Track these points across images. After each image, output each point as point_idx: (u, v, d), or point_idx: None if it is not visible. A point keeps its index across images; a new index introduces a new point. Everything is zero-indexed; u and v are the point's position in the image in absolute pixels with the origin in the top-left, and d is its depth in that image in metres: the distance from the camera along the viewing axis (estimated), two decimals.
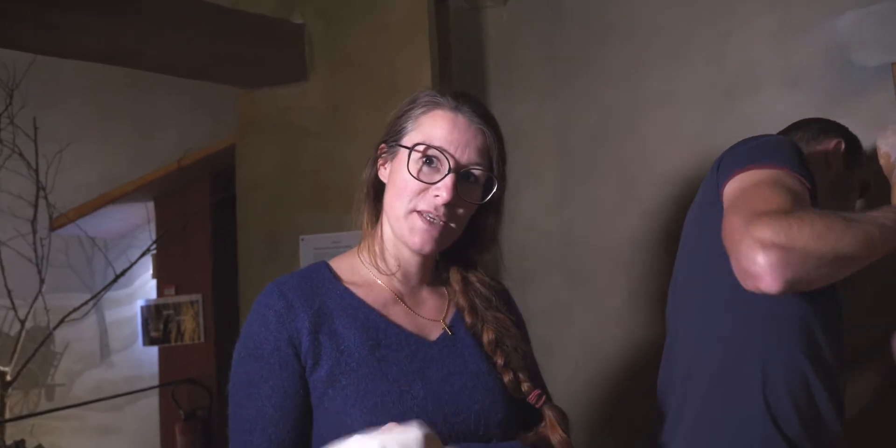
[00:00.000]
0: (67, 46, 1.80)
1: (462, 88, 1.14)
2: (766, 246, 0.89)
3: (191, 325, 3.21)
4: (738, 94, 1.94)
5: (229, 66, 2.11)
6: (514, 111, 2.20)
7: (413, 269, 1.05)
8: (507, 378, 1.00)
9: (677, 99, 2.04)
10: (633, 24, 2.12)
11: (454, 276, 1.09)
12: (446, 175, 0.97)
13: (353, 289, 1.03)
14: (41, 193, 3.00)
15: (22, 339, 2.93)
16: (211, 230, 3.22)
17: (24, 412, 3.49)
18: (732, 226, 0.96)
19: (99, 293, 3.10)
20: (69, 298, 3.23)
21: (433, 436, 0.76)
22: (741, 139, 1.27)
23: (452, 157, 0.97)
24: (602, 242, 2.12)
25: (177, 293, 3.27)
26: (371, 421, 0.87)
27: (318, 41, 2.20)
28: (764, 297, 1.05)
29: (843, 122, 1.59)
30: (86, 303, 3.01)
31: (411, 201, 0.98)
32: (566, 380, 2.02)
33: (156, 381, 3.25)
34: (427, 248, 0.99)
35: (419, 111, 1.02)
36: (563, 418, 0.98)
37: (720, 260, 1.14)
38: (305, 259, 2.07)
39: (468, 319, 1.05)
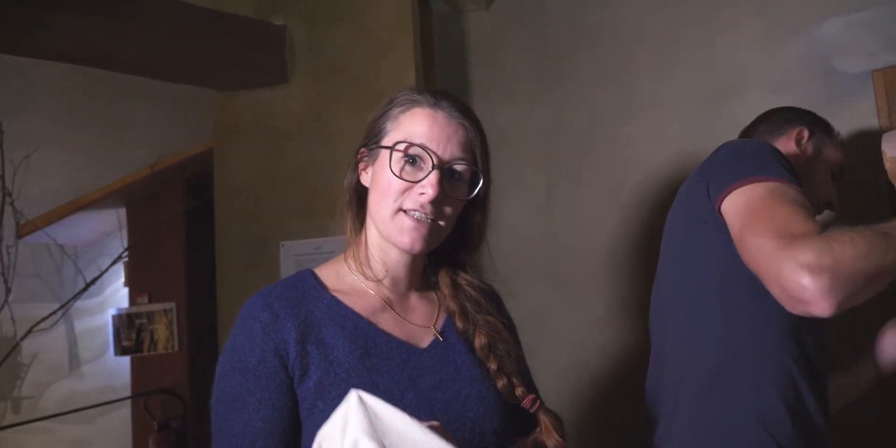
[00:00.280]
0: (39, 46, 1.74)
1: None
2: (812, 270, 0.88)
3: (164, 334, 3.14)
4: (723, 100, 1.95)
5: (207, 69, 2.06)
6: (499, 116, 2.19)
7: (401, 274, 1.03)
8: (500, 383, 0.98)
9: (663, 104, 2.04)
10: (619, 30, 2.13)
11: (443, 280, 1.07)
12: (430, 172, 0.94)
13: (339, 297, 0.99)
14: (7, 200, 2.90)
15: None
16: (185, 237, 3.17)
17: None
18: (763, 250, 0.94)
19: (68, 302, 3.01)
20: (37, 308, 3.12)
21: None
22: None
23: (435, 153, 0.95)
24: (587, 248, 2.11)
25: (150, 302, 3.20)
26: None
27: (300, 44, 2.17)
28: (753, 305, 1.04)
29: None
30: (54, 312, 2.91)
31: (397, 201, 0.95)
32: (550, 384, 1.99)
33: (128, 392, 3.17)
34: (417, 247, 0.96)
35: (398, 110, 1.00)
36: (558, 423, 0.96)
37: (710, 269, 1.15)
38: (286, 266, 2.02)
39: (459, 324, 1.03)
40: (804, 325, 1.13)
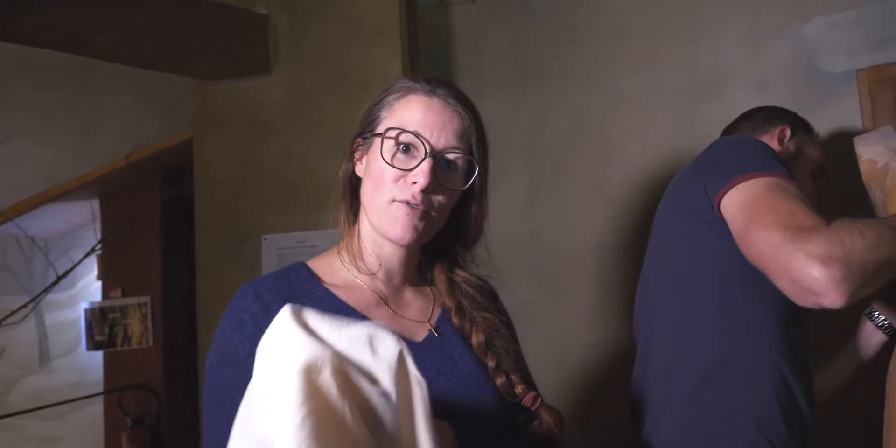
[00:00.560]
0: (13, 31, 1.68)
1: None
2: (824, 261, 0.88)
3: (138, 328, 3.08)
4: (707, 98, 1.96)
5: (188, 57, 2.02)
6: (482, 110, 2.11)
7: (395, 267, 1.00)
8: (499, 381, 0.96)
9: (647, 101, 2.04)
10: (604, 26, 2.12)
11: (439, 277, 1.04)
12: (423, 160, 0.92)
13: (333, 290, 0.97)
14: None
15: None
16: (160, 230, 3.11)
17: None
18: (771, 242, 0.94)
19: (39, 295, 2.93)
20: (6, 301, 3.06)
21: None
22: (711, 142, 1.28)
23: (428, 141, 0.92)
24: (570, 244, 2.11)
25: (123, 295, 3.14)
26: None
27: (283, 32, 2.13)
28: (748, 303, 1.04)
29: (809, 122, 1.62)
30: (24, 306, 2.84)
31: (390, 191, 0.93)
32: (535, 381, 2.00)
33: (100, 388, 3.10)
34: (408, 238, 0.94)
35: (392, 97, 0.98)
36: (560, 420, 0.95)
37: (706, 266, 1.15)
38: (268, 260, 1.99)
39: (456, 321, 1.01)
40: (795, 324, 1.13)
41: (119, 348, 3.10)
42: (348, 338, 0.65)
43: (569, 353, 2.05)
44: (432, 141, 0.93)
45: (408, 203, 0.92)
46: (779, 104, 1.80)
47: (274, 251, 1.99)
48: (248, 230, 2.07)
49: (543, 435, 0.94)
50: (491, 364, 0.97)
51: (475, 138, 0.97)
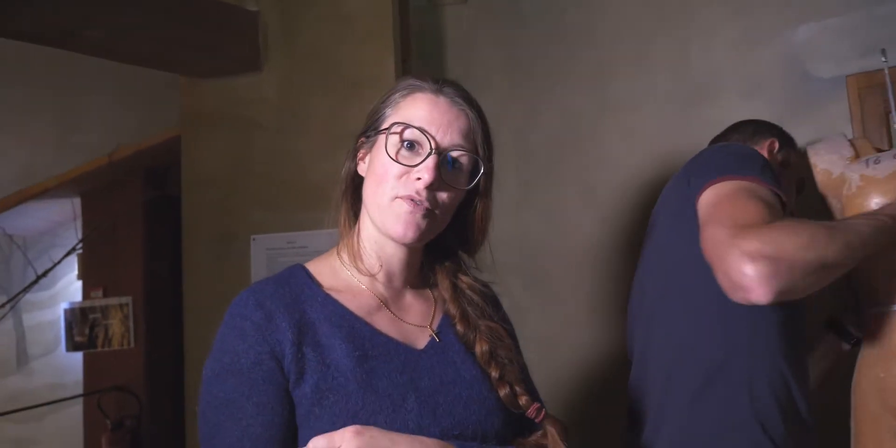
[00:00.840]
0: (2, 24, 1.64)
1: None
2: (754, 257, 0.91)
3: (119, 329, 3.04)
4: (697, 101, 1.97)
5: (176, 53, 1.99)
6: None
7: (397, 269, 0.99)
8: (503, 392, 0.94)
9: (637, 104, 2.05)
10: (595, 29, 2.13)
11: (442, 282, 1.03)
12: (427, 156, 0.91)
13: (334, 295, 0.95)
14: None
15: None
16: (143, 229, 3.08)
17: None
18: (716, 238, 0.98)
19: (17, 295, 2.89)
20: None
21: None
22: (703, 147, 1.29)
23: (433, 138, 0.91)
24: (560, 247, 2.11)
25: (105, 295, 3.09)
26: None
27: (274, 30, 2.10)
28: (746, 307, 1.05)
29: (799, 131, 1.64)
30: (2, 306, 2.80)
31: (393, 188, 0.91)
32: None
33: (80, 390, 3.05)
34: (411, 235, 0.92)
35: (398, 95, 0.97)
36: (565, 432, 0.94)
37: (703, 271, 1.15)
38: (258, 260, 1.96)
39: (460, 329, 0.99)
40: (794, 326, 1.14)
41: (99, 349, 3.06)
42: None
43: (558, 354, 2.05)
44: (438, 138, 0.92)
45: (411, 199, 0.91)
46: (769, 109, 1.83)
47: (263, 251, 1.96)
48: (236, 230, 2.04)
49: (546, 445, 0.93)
50: (495, 374, 0.95)
51: (481, 138, 0.96)
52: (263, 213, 2.02)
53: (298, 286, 0.94)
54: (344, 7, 2.06)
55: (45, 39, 1.75)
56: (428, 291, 1.04)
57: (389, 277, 0.99)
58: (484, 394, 0.94)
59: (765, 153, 1.44)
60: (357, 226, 0.99)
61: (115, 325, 3.05)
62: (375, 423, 0.83)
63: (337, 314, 0.92)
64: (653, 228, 1.30)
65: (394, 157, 0.91)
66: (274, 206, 2.01)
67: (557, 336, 2.06)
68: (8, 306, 2.83)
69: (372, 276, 0.97)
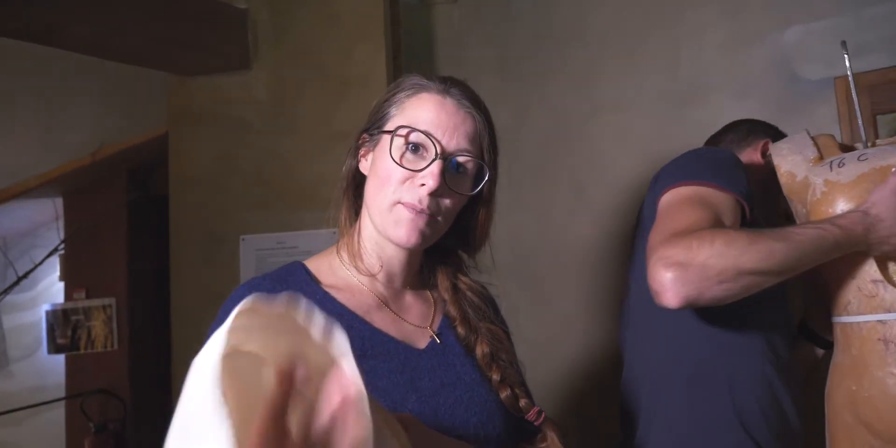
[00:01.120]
0: None
1: None
2: (668, 264, 0.94)
3: (102, 331, 2.99)
4: (687, 102, 1.98)
5: (164, 51, 1.96)
6: None
7: (397, 270, 0.97)
8: (504, 394, 0.93)
9: (627, 105, 2.05)
10: (586, 29, 2.13)
11: (443, 283, 1.02)
12: (432, 161, 0.88)
13: (333, 293, 0.93)
14: None
15: None
16: (127, 229, 3.03)
17: None
18: (650, 244, 1.01)
19: None
20: None
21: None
22: (692, 147, 1.29)
23: (439, 142, 0.89)
24: (551, 247, 2.11)
25: (87, 297, 3.04)
26: None
27: (263, 28, 2.08)
28: (730, 308, 1.06)
29: (788, 132, 1.63)
30: None
31: (396, 192, 0.90)
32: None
33: (62, 392, 3.00)
34: (412, 241, 0.90)
35: (403, 94, 0.94)
36: (563, 437, 0.93)
37: None
38: (247, 261, 1.94)
39: (461, 331, 0.98)
40: (781, 330, 1.16)
41: (82, 351, 3.01)
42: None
43: (549, 355, 2.05)
44: (443, 142, 0.90)
45: (413, 206, 0.89)
46: (758, 110, 1.84)
47: (252, 252, 1.94)
48: (225, 230, 2.01)
49: None
50: (496, 377, 0.94)
51: (487, 142, 0.94)
52: (252, 212, 2.00)
53: (297, 283, 0.93)
54: (335, 5, 2.04)
55: (29, 36, 1.71)
56: (427, 292, 1.03)
57: (389, 278, 0.98)
58: (484, 396, 0.93)
59: (757, 153, 1.43)
60: (357, 224, 0.98)
61: (98, 327, 3.00)
62: None
63: (335, 312, 0.91)
64: (640, 229, 1.31)
65: (398, 161, 0.89)
66: (263, 206, 1.99)
67: (550, 336, 2.06)
68: None
69: (372, 275, 0.96)
